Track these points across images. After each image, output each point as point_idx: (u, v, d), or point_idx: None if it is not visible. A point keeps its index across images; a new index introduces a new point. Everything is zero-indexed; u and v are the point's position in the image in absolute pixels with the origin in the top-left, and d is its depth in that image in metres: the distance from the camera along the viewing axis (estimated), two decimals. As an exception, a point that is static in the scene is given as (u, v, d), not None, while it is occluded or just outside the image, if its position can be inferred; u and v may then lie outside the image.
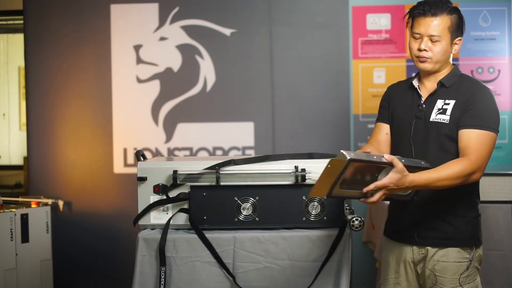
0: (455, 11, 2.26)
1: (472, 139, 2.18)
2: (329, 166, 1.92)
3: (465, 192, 2.27)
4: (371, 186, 2.01)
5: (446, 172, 2.11)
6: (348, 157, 1.89)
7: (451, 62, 2.34)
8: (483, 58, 4.15)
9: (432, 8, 2.23)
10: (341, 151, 1.92)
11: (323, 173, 1.94)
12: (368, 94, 4.17)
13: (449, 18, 2.24)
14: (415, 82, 2.36)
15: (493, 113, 2.25)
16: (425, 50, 2.25)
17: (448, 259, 2.27)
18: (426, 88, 2.34)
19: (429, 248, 2.29)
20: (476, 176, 2.19)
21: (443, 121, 2.25)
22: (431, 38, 2.24)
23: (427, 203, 2.27)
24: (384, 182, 2.01)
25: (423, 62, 2.27)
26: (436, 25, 2.23)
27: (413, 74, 2.43)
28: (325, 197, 2.00)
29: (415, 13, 2.27)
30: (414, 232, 2.31)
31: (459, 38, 2.29)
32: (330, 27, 4.18)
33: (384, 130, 2.44)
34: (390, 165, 2.02)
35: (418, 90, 2.34)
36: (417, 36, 2.27)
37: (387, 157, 2.03)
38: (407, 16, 2.33)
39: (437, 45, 2.24)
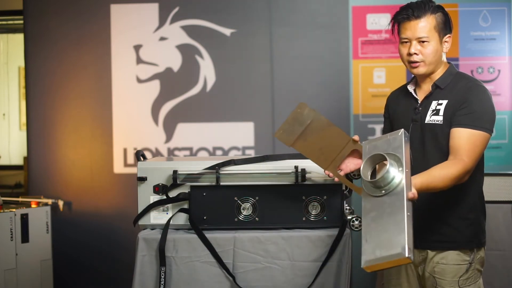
0: (438, 9, 2.25)
1: (465, 139, 2.16)
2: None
3: (466, 193, 2.26)
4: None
5: (440, 177, 2.09)
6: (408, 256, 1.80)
7: (445, 60, 2.32)
8: (483, 58, 4.15)
9: (415, 11, 2.22)
10: (405, 250, 1.81)
11: None
12: (368, 94, 4.17)
13: (434, 17, 2.23)
14: (410, 87, 2.36)
15: (488, 112, 2.22)
16: (415, 53, 2.24)
17: (447, 262, 2.26)
18: (423, 90, 2.33)
19: (428, 251, 2.29)
20: (466, 177, 2.17)
21: (437, 122, 2.24)
22: (420, 40, 2.23)
23: (428, 206, 2.26)
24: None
25: (416, 67, 2.26)
26: (422, 27, 2.22)
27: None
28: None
29: (399, 19, 2.27)
30: (414, 235, 2.29)
31: (448, 35, 2.27)
32: (330, 27, 4.17)
33: None
34: None
35: (414, 93, 2.33)
36: (406, 40, 2.27)
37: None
38: (392, 23, 2.32)
39: (427, 46, 2.23)
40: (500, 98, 4.11)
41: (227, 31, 4.23)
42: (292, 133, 2.13)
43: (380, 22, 4.16)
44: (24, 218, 3.77)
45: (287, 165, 2.31)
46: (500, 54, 4.14)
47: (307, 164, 2.28)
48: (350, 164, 2.16)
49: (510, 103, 4.15)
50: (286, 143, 2.13)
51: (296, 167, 2.28)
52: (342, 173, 2.14)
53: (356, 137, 2.13)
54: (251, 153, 4.19)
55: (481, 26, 4.14)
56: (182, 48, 4.26)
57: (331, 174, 2.14)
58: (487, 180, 3.29)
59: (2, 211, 3.71)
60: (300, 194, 2.30)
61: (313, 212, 2.30)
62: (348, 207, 2.34)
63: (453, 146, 2.18)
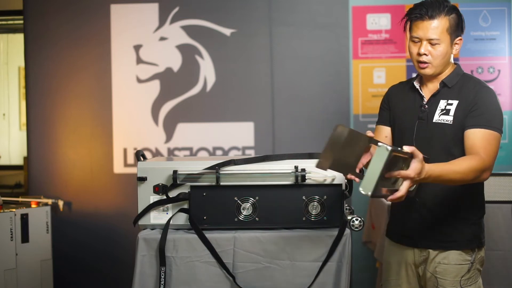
0: (453, 10, 2.22)
1: (479, 138, 2.15)
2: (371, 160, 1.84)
3: (469, 193, 2.26)
4: (395, 173, 1.89)
5: (460, 166, 2.06)
6: (390, 148, 1.80)
7: (453, 61, 2.32)
8: (483, 58, 4.15)
9: (429, 11, 2.19)
10: (379, 143, 1.83)
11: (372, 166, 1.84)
12: (368, 94, 4.17)
13: (447, 19, 2.20)
14: (417, 83, 2.34)
15: (498, 113, 2.22)
16: (424, 54, 2.22)
17: (449, 262, 2.26)
18: (429, 88, 2.31)
19: (430, 250, 2.29)
20: (486, 175, 2.15)
21: (447, 122, 2.23)
22: (430, 42, 2.20)
23: (430, 205, 2.25)
24: (408, 173, 1.89)
25: (423, 68, 2.24)
26: (434, 28, 2.19)
27: (414, 75, 2.42)
28: (370, 196, 1.88)
29: (412, 17, 2.23)
30: (416, 234, 2.29)
31: (459, 37, 2.25)
32: (330, 27, 4.18)
33: (384, 133, 2.40)
34: (410, 157, 1.93)
35: (420, 91, 2.33)
36: (416, 40, 2.23)
37: (407, 148, 1.91)
38: (405, 20, 2.29)
39: (437, 48, 2.21)
40: (500, 98, 4.07)
41: (227, 31, 4.23)
42: (330, 158, 2.00)
43: (380, 22, 4.16)
44: (24, 218, 3.77)
45: (287, 165, 2.30)
46: (500, 54, 4.15)
47: (307, 164, 2.28)
48: (364, 160, 2.07)
49: (510, 103, 4.15)
50: (324, 169, 2.00)
51: (296, 167, 2.28)
52: (357, 170, 2.05)
53: (369, 133, 2.04)
54: (251, 153, 4.20)
55: (481, 26, 4.14)
56: (182, 48, 4.26)
57: (357, 180, 2.04)
58: (487, 180, 3.30)
59: (2, 211, 3.71)
60: (300, 194, 2.30)
61: (313, 212, 2.30)
62: (348, 207, 2.34)
63: (469, 146, 2.16)
